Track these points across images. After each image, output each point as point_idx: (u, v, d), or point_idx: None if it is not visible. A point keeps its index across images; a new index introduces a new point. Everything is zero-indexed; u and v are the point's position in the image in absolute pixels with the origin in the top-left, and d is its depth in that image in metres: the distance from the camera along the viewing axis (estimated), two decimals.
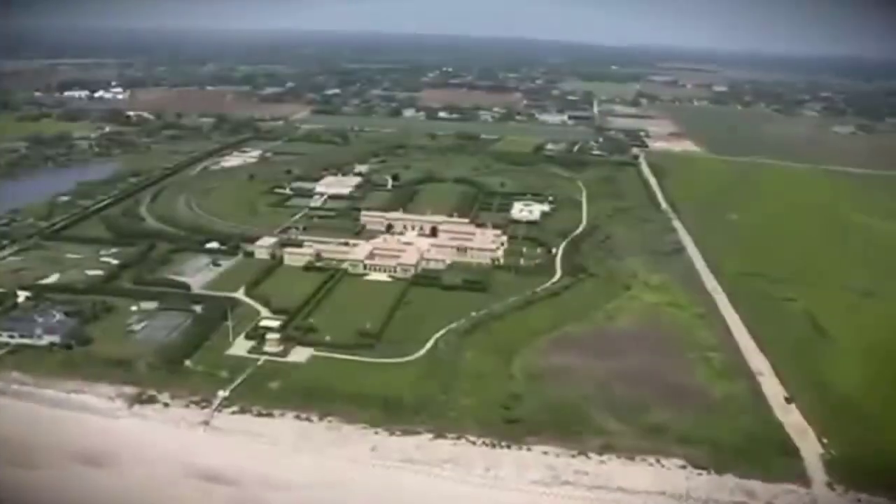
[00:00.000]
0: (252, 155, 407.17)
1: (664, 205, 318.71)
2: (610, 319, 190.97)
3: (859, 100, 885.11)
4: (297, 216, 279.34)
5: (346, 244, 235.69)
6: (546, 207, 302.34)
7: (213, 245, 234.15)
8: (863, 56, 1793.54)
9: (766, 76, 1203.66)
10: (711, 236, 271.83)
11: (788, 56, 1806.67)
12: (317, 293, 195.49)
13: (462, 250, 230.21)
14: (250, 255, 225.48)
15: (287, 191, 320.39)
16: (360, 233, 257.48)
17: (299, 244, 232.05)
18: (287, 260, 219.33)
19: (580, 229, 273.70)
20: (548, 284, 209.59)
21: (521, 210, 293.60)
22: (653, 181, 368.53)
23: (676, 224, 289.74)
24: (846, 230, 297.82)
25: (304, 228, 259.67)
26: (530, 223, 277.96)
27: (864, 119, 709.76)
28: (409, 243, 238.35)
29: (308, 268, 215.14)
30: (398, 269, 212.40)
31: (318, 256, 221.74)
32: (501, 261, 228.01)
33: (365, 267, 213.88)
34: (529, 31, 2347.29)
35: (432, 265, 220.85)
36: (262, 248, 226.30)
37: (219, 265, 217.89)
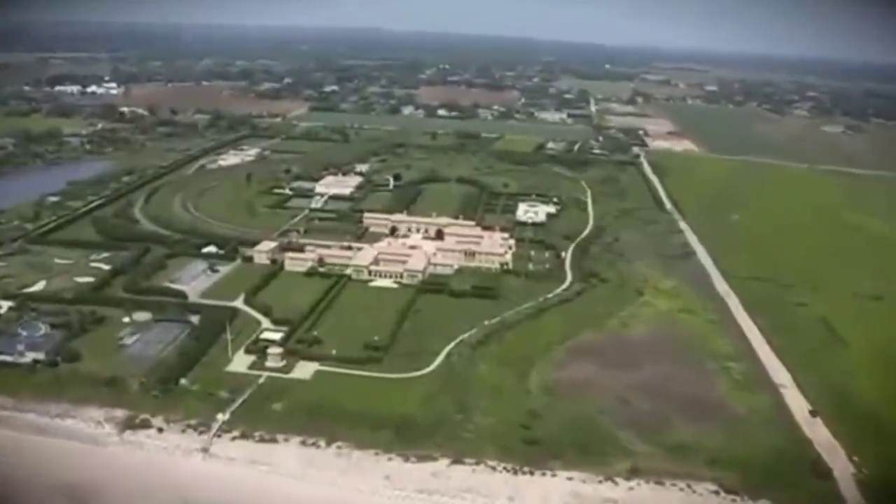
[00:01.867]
0: (249, 153, 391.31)
1: (668, 205, 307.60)
2: (625, 327, 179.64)
3: (844, 100, 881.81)
4: (297, 218, 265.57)
5: (350, 248, 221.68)
6: (552, 209, 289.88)
7: (211, 249, 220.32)
8: (842, 57, 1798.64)
9: (753, 75, 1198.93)
10: (717, 238, 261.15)
11: (772, 56, 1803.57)
12: (320, 302, 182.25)
13: (470, 254, 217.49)
14: (249, 260, 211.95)
15: (286, 191, 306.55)
16: (363, 236, 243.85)
17: (301, 248, 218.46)
18: (288, 265, 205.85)
19: (587, 231, 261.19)
20: (559, 290, 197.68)
21: (527, 212, 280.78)
22: (655, 180, 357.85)
23: (682, 225, 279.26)
24: (846, 231, 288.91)
25: (305, 231, 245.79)
26: (536, 225, 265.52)
27: (851, 119, 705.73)
28: (415, 247, 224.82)
29: (310, 274, 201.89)
30: (405, 274, 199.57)
31: (320, 261, 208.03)
32: (510, 265, 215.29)
33: (370, 273, 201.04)
34: (523, 30, 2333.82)
35: (439, 270, 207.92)
36: (262, 252, 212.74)
37: (216, 271, 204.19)
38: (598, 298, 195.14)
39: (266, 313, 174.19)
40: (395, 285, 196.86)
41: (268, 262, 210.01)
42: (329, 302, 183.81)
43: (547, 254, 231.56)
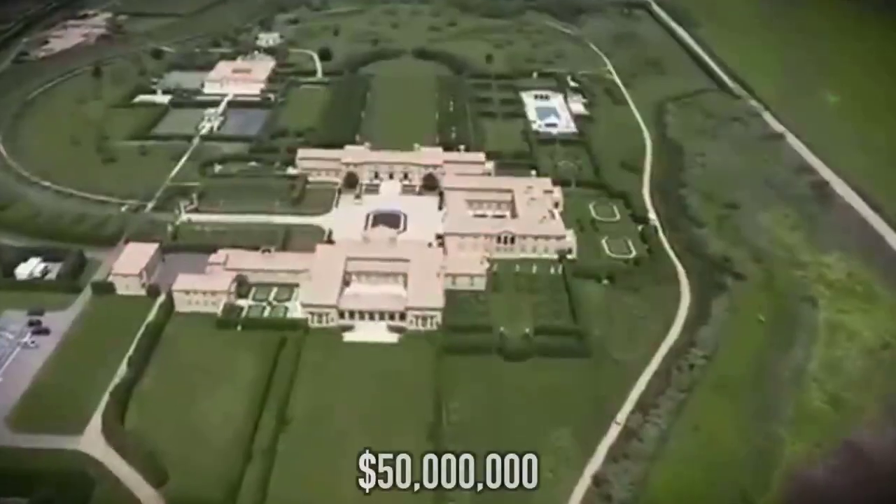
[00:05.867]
0: (96, 21, 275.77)
1: (730, 82, 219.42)
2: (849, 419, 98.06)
3: None
4: (182, 160, 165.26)
5: (297, 254, 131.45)
6: (577, 102, 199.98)
7: (32, 267, 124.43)
8: None
9: None
10: (835, 142, 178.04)
11: None
12: (260, 409, 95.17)
13: (505, 241, 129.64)
14: (107, 289, 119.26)
15: (157, 97, 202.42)
16: (301, 198, 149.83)
17: (205, 250, 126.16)
18: (182, 303, 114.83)
19: (649, 150, 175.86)
20: (681, 316, 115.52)
21: (543, 112, 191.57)
22: (684, 35, 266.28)
23: (770, 119, 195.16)
24: None
25: (201, 196, 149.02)
26: (567, 140, 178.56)
27: None
28: (433, 245, 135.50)
29: (227, 324, 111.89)
30: (411, 316, 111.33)
31: (240, 285, 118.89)
32: (574, 252, 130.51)
33: (343, 315, 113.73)
34: None
35: (459, 284, 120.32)
36: (129, 276, 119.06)
37: (41, 330, 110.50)
38: (752, 334, 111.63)
39: (147, 467, 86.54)
40: (394, 337, 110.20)
41: (141, 292, 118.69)
42: (281, 422, 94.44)
43: (616, 209, 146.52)
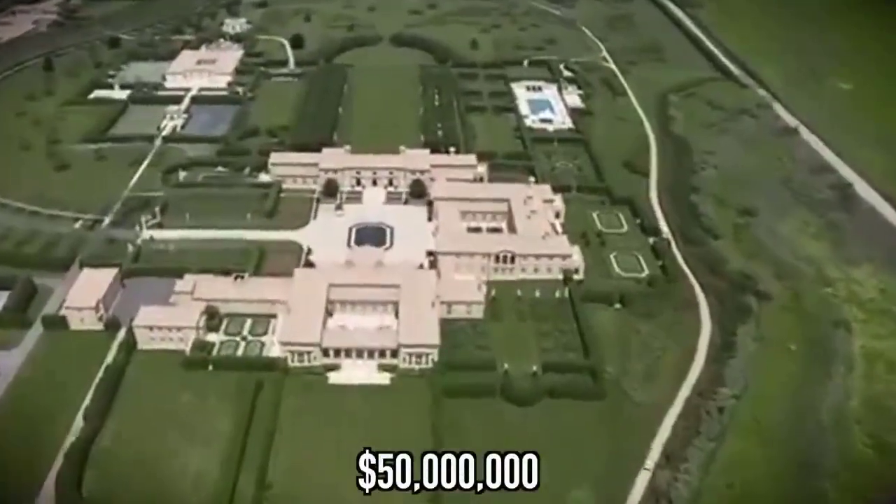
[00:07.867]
0: (48, 7, 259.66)
1: (735, 70, 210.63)
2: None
3: None
4: (142, 166, 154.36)
5: (274, 278, 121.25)
6: (573, 95, 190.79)
7: None
8: None
9: None
10: (851, 137, 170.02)
11: None
12: (237, 469, 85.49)
13: (505, 260, 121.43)
14: (59, 324, 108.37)
15: (115, 92, 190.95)
16: (275, 210, 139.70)
17: (170, 274, 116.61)
18: (145, 340, 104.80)
19: (654, 148, 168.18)
20: (703, 346, 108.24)
21: (535, 106, 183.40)
22: (684, 18, 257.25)
23: (781, 111, 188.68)
24: None
25: (163, 209, 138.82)
26: (564, 138, 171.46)
27: None
28: (423, 266, 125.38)
29: (196, 364, 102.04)
30: (405, 353, 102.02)
31: (212, 318, 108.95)
32: (581, 272, 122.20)
33: (328, 353, 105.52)
34: None
35: (455, 311, 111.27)
36: (84, 309, 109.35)
37: None
38: (783, 367, 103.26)
39: None
40: (385, 378, 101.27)
41: (98, 326, 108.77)
42: (261, 486, 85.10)
43: (622, 218, 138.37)
